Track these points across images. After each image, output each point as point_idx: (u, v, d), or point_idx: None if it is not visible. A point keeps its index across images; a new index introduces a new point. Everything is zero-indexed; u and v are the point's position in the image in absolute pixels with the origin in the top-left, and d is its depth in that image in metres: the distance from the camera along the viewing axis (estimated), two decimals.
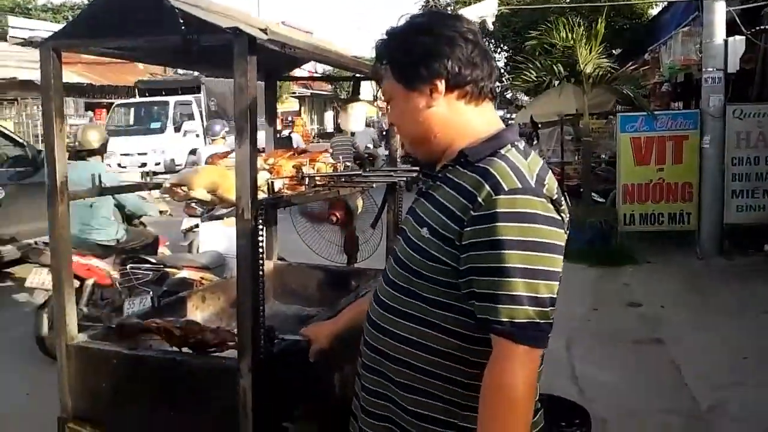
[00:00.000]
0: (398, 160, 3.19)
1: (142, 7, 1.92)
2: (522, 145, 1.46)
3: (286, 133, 22.19)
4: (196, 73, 16.90)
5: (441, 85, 1.43)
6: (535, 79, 8.96)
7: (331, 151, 2.86)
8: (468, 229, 1.33)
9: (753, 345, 5.11)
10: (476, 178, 1.36)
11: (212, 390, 2.05)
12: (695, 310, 6.13)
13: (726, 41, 7.84)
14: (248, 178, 1.90)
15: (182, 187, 2.38)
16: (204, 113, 18.16)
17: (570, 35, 8.59)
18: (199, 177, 2.36)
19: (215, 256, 4.90)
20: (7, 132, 8.35)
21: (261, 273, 1.97)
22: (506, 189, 1.32)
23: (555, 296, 1.34)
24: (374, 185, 2.77)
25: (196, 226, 5.81)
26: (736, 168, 7.99)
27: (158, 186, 2.51)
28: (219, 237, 5.24)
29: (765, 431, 3.80)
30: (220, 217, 5.60)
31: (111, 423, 2.17)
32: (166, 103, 18.53)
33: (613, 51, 13.26)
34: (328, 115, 36.33)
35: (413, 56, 1.43)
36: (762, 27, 8.10)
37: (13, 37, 18.02)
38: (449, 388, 1.42)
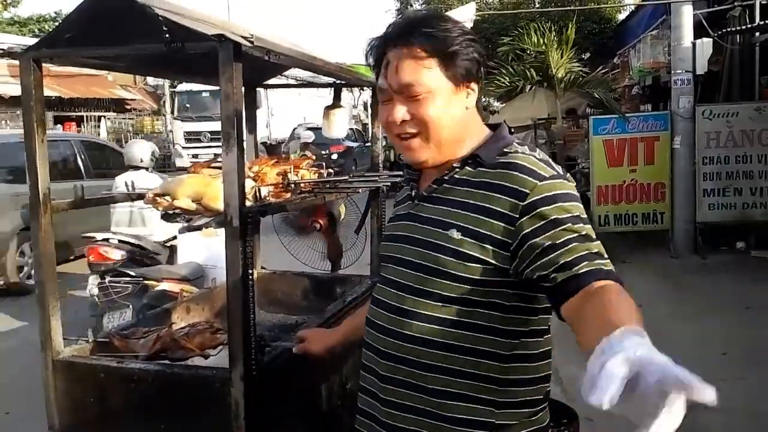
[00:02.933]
0: (380, 165, 3.19)
1: (125, 15, 1.89)
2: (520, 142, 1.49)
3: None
4: None
5: (476, 87, 1.44)
6: (508, 84, 9.05)
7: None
8: (523, 219, 1.32)
9: (731, 340, 5.20)
10: (509, 173, 1.37)
11: (203, 402, 2.02)
12: (673, 308, 6.22)
13: (694, 44, 8.02)
14: (236, 185, 1.88)
15: (166, 197, 2.35)
16: None
17: (542, 40, 8.70)
18: (183, 186, 2.33)
19: (195, 267, 4.85)
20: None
21: (251, 281, 1.95)
22: (547, 176, 1.35)
23: None
24: (359, 191, 2.77)
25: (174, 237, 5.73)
26: (706, 167, 8.14)
27: (141, 197, 2.47)
28: (198, 248, 5.18)
29: (747, 424, 3.86)
30: (198, 228, 5.53)
31: None
32: None
33: (583, 56, 13.44)
34: None
35: (472, 54, 1.40)
36: (728, 29, 8.27)
37: None
38: (486, 387, 1.40)
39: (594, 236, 1.33)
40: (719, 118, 8.08)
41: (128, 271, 4.50)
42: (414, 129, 1.42)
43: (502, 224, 1.34)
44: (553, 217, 1.30)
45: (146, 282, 4.38)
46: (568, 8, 11.27)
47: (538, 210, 1.31)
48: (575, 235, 1.30)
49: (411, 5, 18.83)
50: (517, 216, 1.32)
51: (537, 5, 13.75)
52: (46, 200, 2.07)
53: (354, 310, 2.71)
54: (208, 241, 5.18)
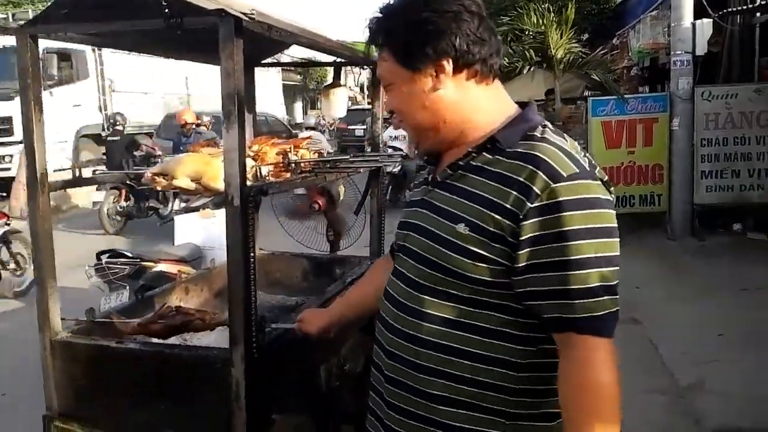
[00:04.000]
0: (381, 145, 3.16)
1: None
2: (550, 125, 1.37)
3: None
4: None
5: (448, 65, 1.31)
6: (507, 65, 8.99)
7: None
8: (527, 222, 1.21)
9: (727, 322, 5.20)
10: (523, 166, 1.25)
11: (203, 382, 2.01)
12: (669, 290, 6.23)
13: (694, 24, 7.94)
14: (237, 164, 1.85)
15: (165, 177, 2.32)
16: None
17: (541, 21, 8.64)
18: (183, 166, 2.30)
19: (192, 248, 4.83)
20: None
21: (252, 260, 1.93)
22: (565, 175, 1.22)
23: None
24: (360, 170, 2.74)
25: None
26: (705, 149, 8.11)
27: (139, 176, 2.44)
28: (195, 229, 5.17)
29: (744, 406, 3.87)
30: (195, 209, 5.51)
31: (99, 419, 2.12)
32: None
33: (581, 36, 13.35)
34: (298, 106, 36.06)
35: (417, 35, 1.30)
36: (728, 10, 8.21)
37: None
38: (496, 397, 1.30)
39: (604, 251, 1.22)
40: (718, 100, 8.04)
41: (125, 252, 4.47)
42: (398, 117, 1.44)
43: (509, 222, 1.24)
44: (558, 230, 1.20)
45: (143, 263, 4.35)
46: None
47: (546, 217, 1.21)
48: (577, 258, 1.20)
49: None
50: (522, 217, 1.22)
51: None
52: (43, 180, 2.04)
53: None
54: (206, 222, 5.17)
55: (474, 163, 1.33)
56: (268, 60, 3.39)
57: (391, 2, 1.41)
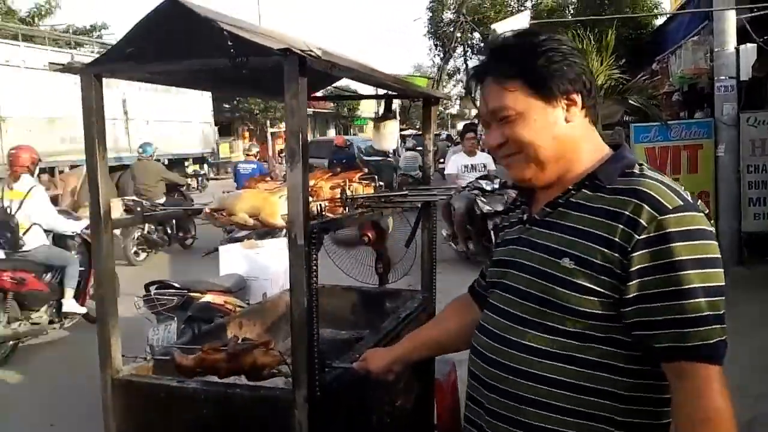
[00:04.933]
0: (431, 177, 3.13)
1: (189, 30, 1.86)
2: (645, 163, 1.40)
3: None
4: None
5: (579, 99, 1.37)
6: None
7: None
8: (635, 254, 1.25)
9: None
10: (627, 200, 1.28)
11: (266, 423, 1.97)
12: None
13: (737, 49, 7.83)
14: (301, 202, 1.83)
15: (223, 212, 2.33)
16: None
17: (580, 46, 8.59)
18: (241, 202, 2.30)
19: (237, 279, 4.84)
20: None
21: (315, 299, 1.90)
22: (670, 208, 1.25)
23: None
24: (419, 204, 2.71)
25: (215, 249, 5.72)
26: (751, 176, 7.95)
27: (198, 211, 2.44)
28: (239, 260, 5.18)
29: None
30: (239, 240, 5.53)
31: None
32: None
33: (620, 62, 13.25)
34: (331, 133, 36.40)
35: (556, 67, 1.35)
36: None
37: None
38: (602, 428, 1.32)
39: (713, 281, 1.24)
40: (764, 126, 7.90)
41: (173, 283, 4.49)
42: (511, 150, 1.41)
43: (617, 255, 1.27)
44: (667, 260, 1.23)
45: (191, 294, 4.37)
46: (604, 17, 11.09)
47: (654, 248, 1.24)
48: (687, 287, 1.22)
49: (443, 12, 18.76)
50: (630, 249, 1.25)
51: (571, 11, 13.58)
52: (107, 217, 2.05)
53: (409, 326, 2.66)
54: (249, 253, 5.18)
55: (574, 200, 1.37)
56: (320, 93, 3.39)
57: (517, 36, 1.45)
